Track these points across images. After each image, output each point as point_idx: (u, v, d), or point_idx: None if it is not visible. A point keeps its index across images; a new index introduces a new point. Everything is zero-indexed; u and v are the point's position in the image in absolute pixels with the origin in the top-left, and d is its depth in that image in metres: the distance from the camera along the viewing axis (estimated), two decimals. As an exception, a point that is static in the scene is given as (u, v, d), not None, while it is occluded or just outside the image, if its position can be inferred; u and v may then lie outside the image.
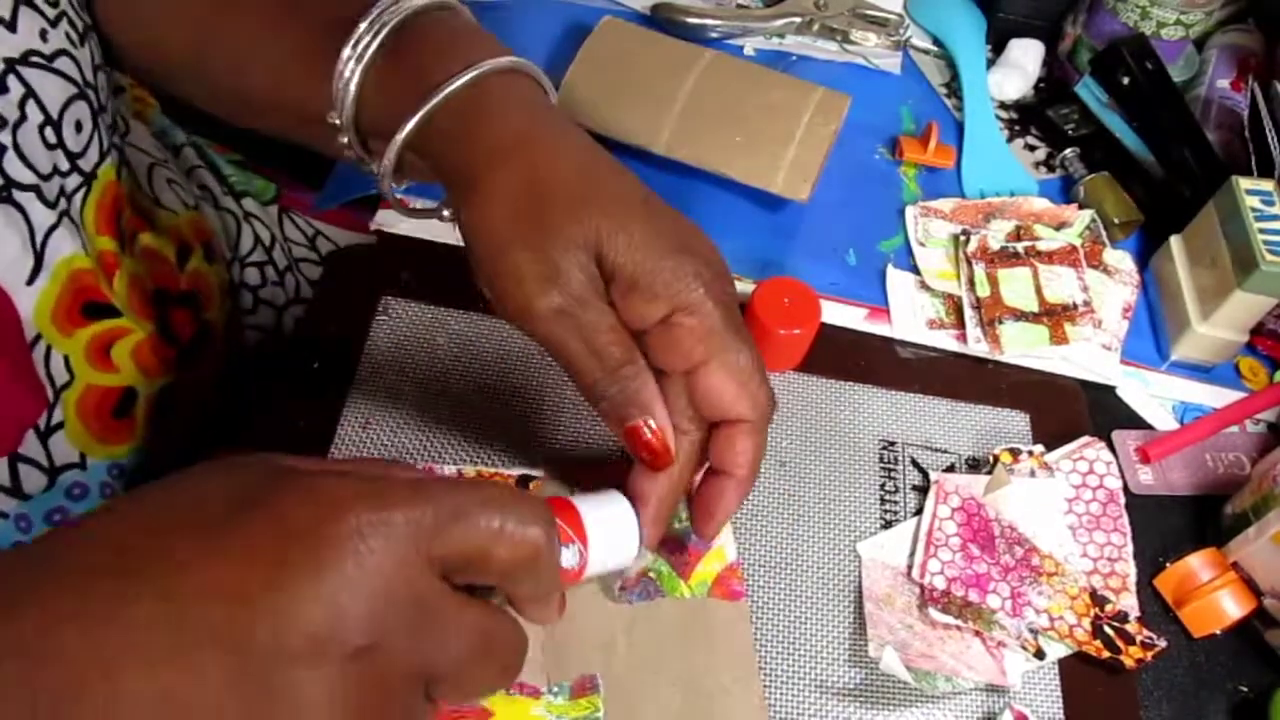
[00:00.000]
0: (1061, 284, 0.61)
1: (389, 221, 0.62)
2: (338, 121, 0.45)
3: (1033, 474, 0.54)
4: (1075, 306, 0.60)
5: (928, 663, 0.48)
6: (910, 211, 0.66)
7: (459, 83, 0.42)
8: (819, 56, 0.74)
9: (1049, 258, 0.62)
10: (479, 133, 0.42)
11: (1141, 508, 0.55)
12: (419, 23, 0.45)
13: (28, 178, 0.46)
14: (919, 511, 0.53)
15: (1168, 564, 0.53)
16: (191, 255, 0.61)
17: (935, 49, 0.77)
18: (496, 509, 0.32)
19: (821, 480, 0.54)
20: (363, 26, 0.44)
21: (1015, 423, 0.58)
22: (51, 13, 0.47)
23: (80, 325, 0.49)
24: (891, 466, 0.55)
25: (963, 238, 0.63)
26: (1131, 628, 0.49)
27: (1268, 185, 0.58)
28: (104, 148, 0.51)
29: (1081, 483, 0.54)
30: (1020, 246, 0.63)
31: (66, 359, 0.49)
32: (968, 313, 0.60)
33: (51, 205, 0.47)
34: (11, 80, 0.44)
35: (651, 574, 0.49)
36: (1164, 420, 0.60)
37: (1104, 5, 0.70)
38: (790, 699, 0.47)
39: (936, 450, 0.56)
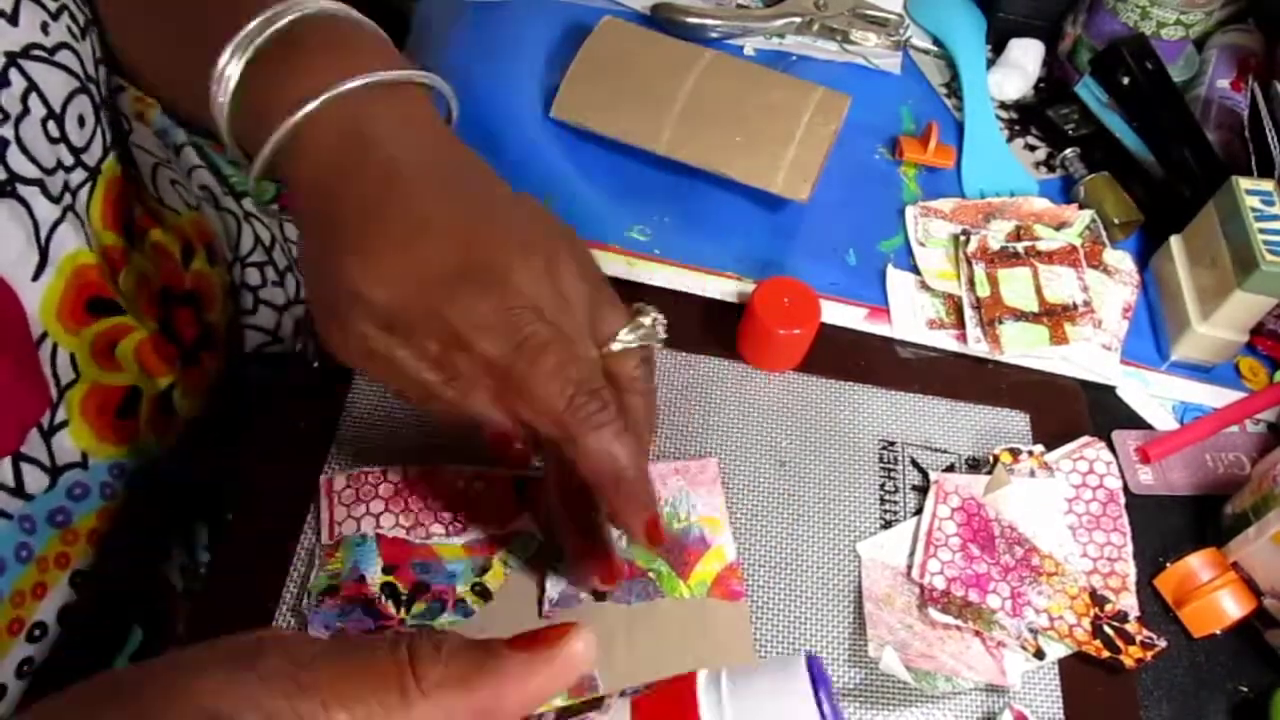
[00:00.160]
0: (1061, 284, 0.61)
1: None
2: (220, 128, 0.44)
3: (1033, 474, 0.54)
4: (1075, 306, 0.60)
5: (927, 663, 0.48)
6: (910, 211, 0.66)
7: (328, 95, 0.41)
8: (819, 56, 0.74)
9: (1049, 258, 0.62)
10: (298, 168, 0.42)
11: (1141, 508, 0.55)
12: (298, 31, 0.43)
13: (31, 172, 0.46)
14: (919, 511, 0.53)
15: (1168, 564, 0.53)
16: (195, 256, 0.61)
17: (935, 49, 0.77)
18: None
19: (821, 480, 0.54)
20: (250, 27, 0.42)
21: (1015, 423, 0.58)
22: (53, 6, 0.47)
23: (86, 323, 0.49)
24: (891, 466, 0.55)
25: (963, 238, 0.63)
26: (1131, 627, 0.49)
27: (1268, 185, 0.58)
28: (107, 142, 0.51)
29: (1081, 483, 0.54)
30: (1020, 246, 0.63)
31: (73, 356, 0.49)
32: (968, 313, 0.61)
33: (56, 200, 0.47)
34: (13, 74, 0.44)
35: (651, 574, 0.49)
36: (1164, 420, 0.60)
37: (1104, 5, 0.70)
38: (790, 699, 0.47)
39: (936, 450, 0.56)
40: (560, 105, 0.65)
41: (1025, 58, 0.75)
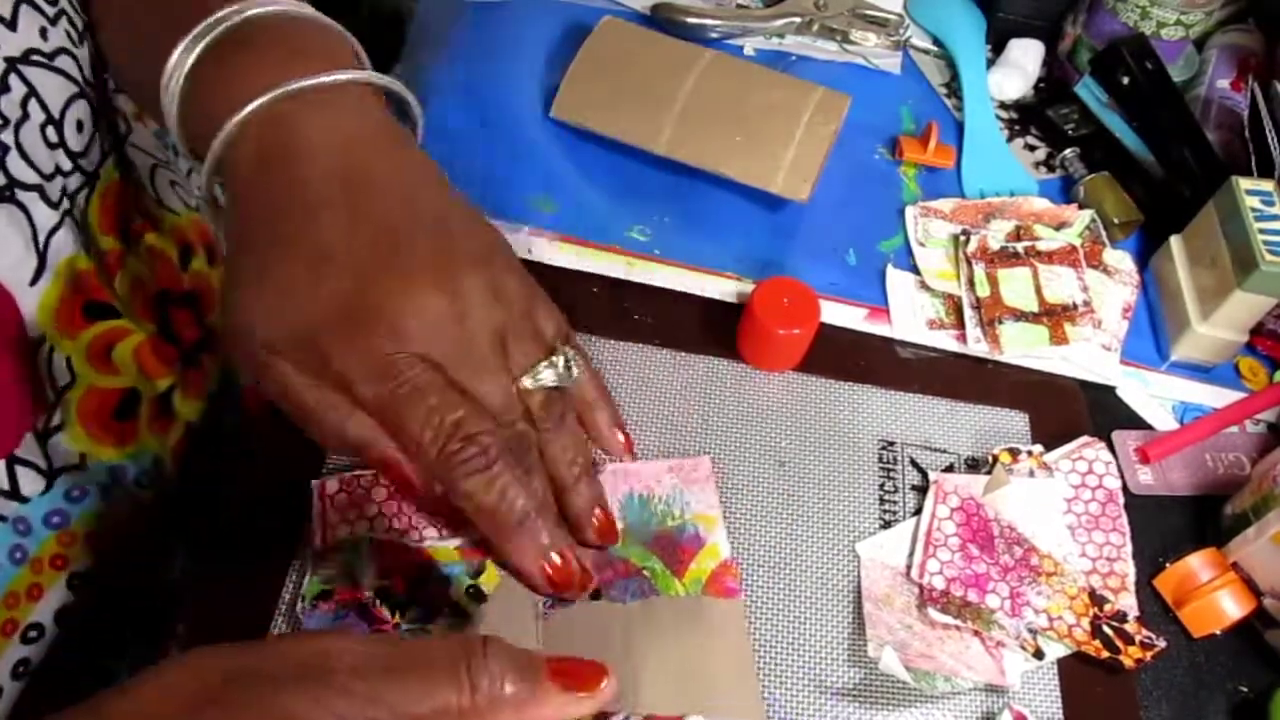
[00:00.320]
0: (1061, 284, 0.61)
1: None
2: (170, 128, 0.44)
3: (1032, 474, 0.54)
4: (1075, 306, 0.60)
5: (927, 663, 0.48)
6: (910, 211, 0.66)
7: (250, 108, 0.40)
8: (819, 56, 0.74)
9: (1049, 258, 0.62)
10: (228, 180, 0.41)
11: (1141, 508, 0.55)
12: (253, 33, 0.43)
13: (30, 177, 0.46)
14: (918, 511, 0.53)
15: (1167, 564, 0.53)
16: (194, 256, 0.61)
17: (935, 49, 0.77)
18: None
19: (820, 480, 0.54)
20: (203, 24, 0.42)
21: (1014, 423, 0.58)
22: (51, 10, 0.47)
23: (82, 326, 0.49)
24: (891, 466, 0.55)
25: (963, 238, 0.63)
26: (1130, 627, 0.49)
27: (1268, 185, 0.58)
28: (105, 147, 0.51)
29: (1081, 482, 0.54)
30: (1020, 246, 0.63)
31: (69, 360, 0.49)
32: (967, 313, 0.61)
33: (54, 205, 0.47)
34: (13, 79, 0.44)
35: (645, 572, 0.49)
36: (1164, 420, 0.60)
37: (1104, 5, 0.70)
38: (789, 699, 0.47)
39: (936, 450, 0.56)
40: (560, 105, 0.65)
41: (1025, 58, 0.75)
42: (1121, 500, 0.53)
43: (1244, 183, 0.58)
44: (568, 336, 0.46)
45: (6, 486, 0.47)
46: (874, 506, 0.53)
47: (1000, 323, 0.60)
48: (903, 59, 0.75)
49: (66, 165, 0.48)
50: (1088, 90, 0.70)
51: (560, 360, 0.43)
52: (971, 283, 0.61)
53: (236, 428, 0.61)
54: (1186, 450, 0.58)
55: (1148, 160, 0.67)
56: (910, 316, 0.61)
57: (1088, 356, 0.60)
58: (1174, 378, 0.62)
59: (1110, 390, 0.61)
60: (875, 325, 0.61)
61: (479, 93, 0.66)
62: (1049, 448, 0.55)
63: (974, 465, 0.55)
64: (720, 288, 0.61)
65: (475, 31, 0.70)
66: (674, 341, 0.58)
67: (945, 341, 0.60)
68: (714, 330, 0.59)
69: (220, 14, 0.43)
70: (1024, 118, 0.74)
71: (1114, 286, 0.63)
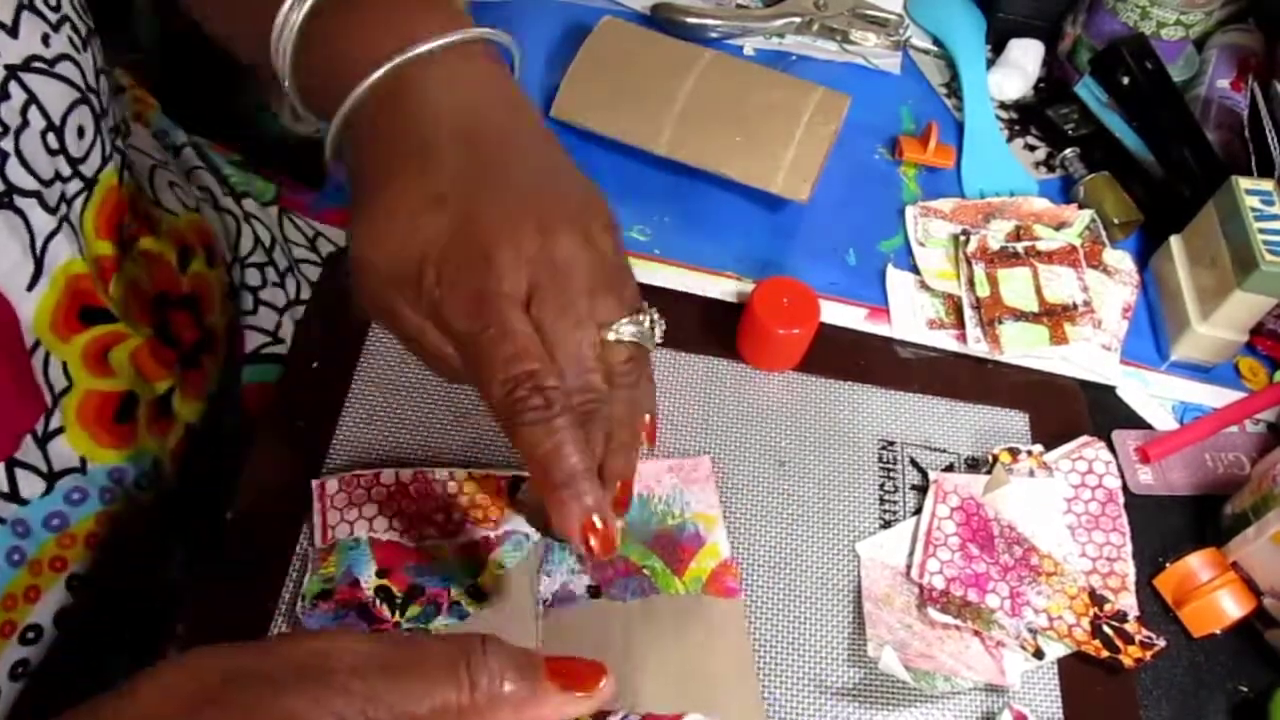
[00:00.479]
0: (1061, 284, 0.61)
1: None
2: (283, 83, 0.44)
3: (1032, 474, 0.54)
4: (1075, 306, 0.60)
5: (927, 662, 0.48)
6: (910, 211, 0.66)
7: (377, 74, 0.41)
8: (819, 56, 0.74)
9: (1049, 258, 0.62)
10: (382, 136, 0.42)
11: (1141, 508, 0.55)
12: None
13: (29, 184, 0.46)
14: (918, 511, 0.53)
15: (1167, 564, 0.53)
16: (193, 258, 0.61)
17: (935, 49, 0.77)
18: None
19: (821, 480, 0.54)
20: None
21: (1014, 422, 0.58)
22: (54, 17, 0.47)
23: (77, 331, 0.49)
24: (891, 466, 0.55)
25: (962, 238, 0.63)
26: (1130, 627, 0.49)
27: (1268, 185, 0.58)
28: (106, 152, 0.51)
29: (1080, 482, 0.54)
30: (1020, 246, 0.63)
31: (65, 365, 0.49)
32: (967, 313, 0.60)
33: (52, 211, 0.47)
34: (13, 87, 0.44)
35: (646, 571, 0.49)
36: (1164, 420, 0.60)
37: (1104, 5, 0.70)
38: (789, 698, 0.47)
39: (936, 450, 0.56)
40: (560, 105, 0.65)
41: (1025, 58, 0.75)
42: (1121, 500, 0.53)
43: (1244, 183, 0.58)
44: (640, 301, 0.45)
45: (6, 489, 0.47)
46: (874, 506, 0.53)
47: (1000, 323, 0.60)
48: (903, 59, 0.75)
49: (66, 171, 0.48)
50: (1088, 90, 0.70)
51: (645, 319, 0.43)
52: (971, 283, 0.61)
53: (236, 428, 0.61)
54: (1186, 450, 0.58)
55: (1148, 160, 0.67)
56: (910, 316, 0.61)
57: (1088, 356, 0.60)
58: (1174, 378, 0.62)
59: (1110, 390, 0.61)
60: (875, 325, 0.61)
61: (479, 93, 0.66)
62: (1049, 447, 0.55)
63: (974, 465, 0.55)
64: (720, 288, 0.61)
65: (475, 31, 0.70)
66: (674, 341, 0.58)
67: (945, 341, 0.60)
68: (714, 330, 0.59)
69: None
70: (1024, 118, 0.74)
71: (1114, 286, 0.63)
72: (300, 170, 0.75)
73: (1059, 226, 0.65)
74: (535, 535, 0.49)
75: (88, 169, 0.50)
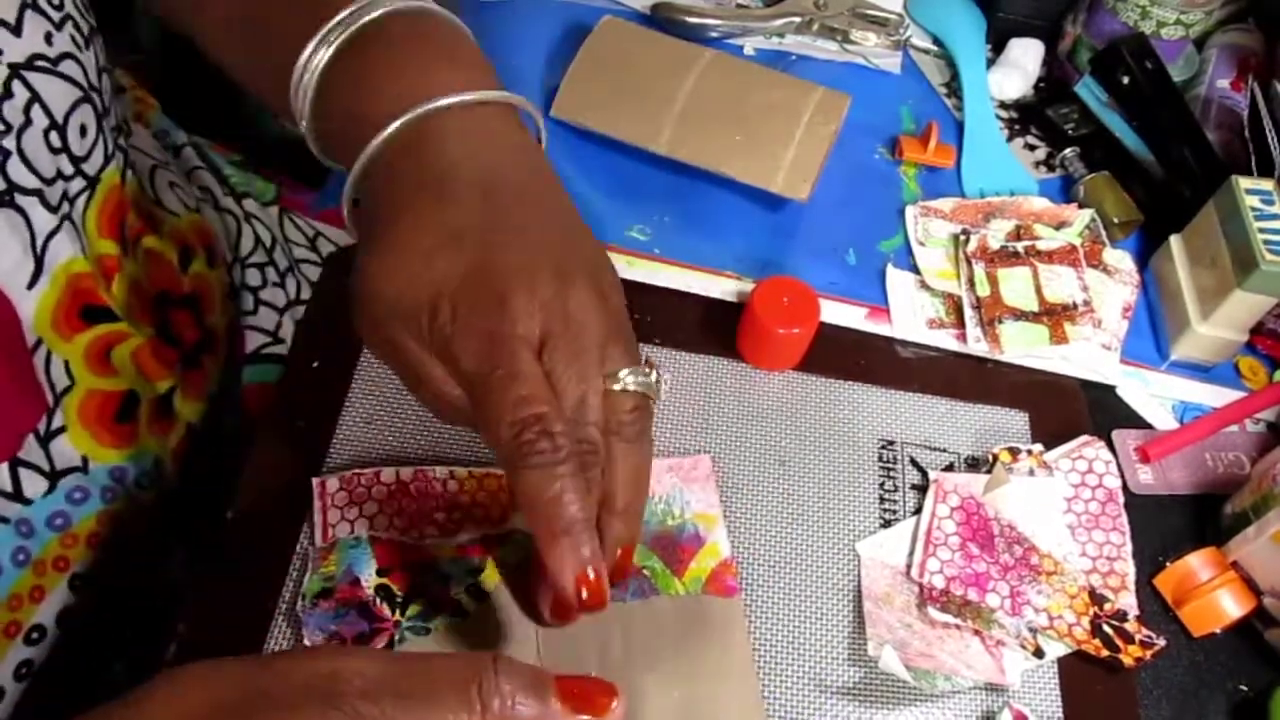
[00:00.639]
0: (1061, 284, 0.61)
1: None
2: (301, 126, 0.44)
3: (1032, 473, 0.54)
4: (1075, 306, 0.60)
5: (927, 661, 0.48)
6: (910, 211, 0.66)
7: (395, 125, 0.41)
8: (819, 56, 0.74)
9: (1049, 257, 0.62)
10: (400, 180, 0.42)
11: (1141, 507, 0.55)
12: (388, 30, 0.44)
13: (31, 182, 0.46)
14: (918, 510, 0.53)
15: (1167, 563, 0.53)
16: (194, 258, 0.61)
17: (935, 49, 0.77)
18: None
19: (821, 479, 0.54)
20: (330, 25, 0.43)
21: (1015, 422, 0.58)
22: (56, 15, 0.47)
23: (79, 330, 0.49)
24: (891, 466, 0.55)
25: (963, 237, 0.63)
26: (1130, 626, 0.49)
27: (1268, 185, 0.58)
28: (108, 151, 0.51)
29: (1081, 482, 0.54)
30: (1020, 246, 0.63)
31: (67, 364, 0.49)
32: (968, 312, 0.61)
33: (54, 209, 0.47)
34: (16, 85, 0.44)
35: (646, 571, 0.49)
36: (1164, 420, 0.60)
37: (1104, 5, 0.70)
38: (789, 698, 0.47)
39: (936, 449, 0.56)
40: (560, 105, 0.65)
41: (1025, 57, 0.75)
42: (1121, 499, 0.54)
43: (1244, 182, 0.58)
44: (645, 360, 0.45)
45: (9, 489, 0.47)
46: (874, 506, 0.53)
47: (1000, 322, 0.60)
48: (903, 59, 0.75)
49: (68, 170, 0.48)
50: (1088, 90, 0.70)
51: (652, 373, 0.42)
52: (971, 282, 0.61)
53: (236, 428, 0.61)
54: (1186, 450, 0.58)
55: (1148, 160, 0.67)
56: (910, 316, 0.61)
57: (1088, 356, 0.60)
58: (1174, 377, 0.62)
59: (1110, 390, 0.61)
60: (875, 325, 0.61)
61: (479, 93, 0.66)
62: (1049, 447, 0.55)
63: (974, 464, 0.55)
64: (720, 287, 0.61)
65: (475, 31, 0.70)
66: (674, 341, 0.58)
67: (945, 341, 0.60)
68: (714, 330, 0.59)
69: (353, 8, 0.43)
70: (1024, 117, 0.74)
71: (1114, 286, 0.63)
72: (300, 170, 0.75)
73: (1059, 226, 0.65)
74: None
75: (90, 168, 0.50)
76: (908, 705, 0.48)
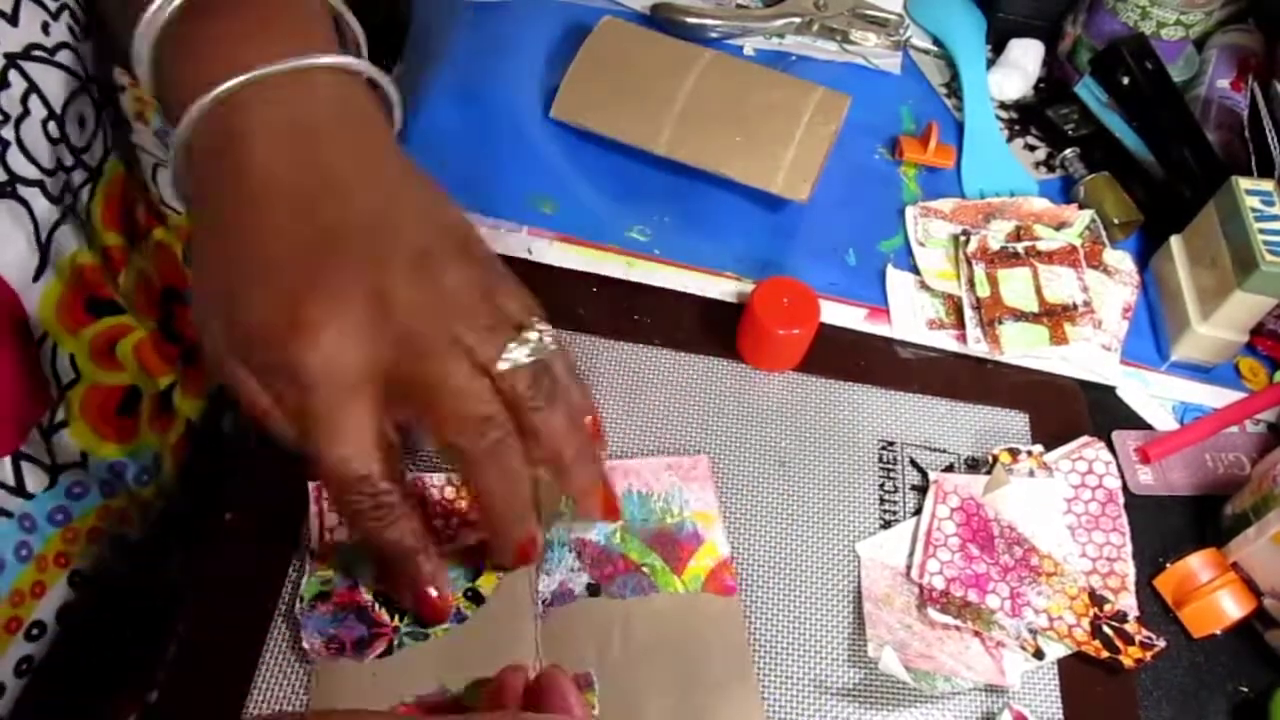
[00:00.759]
0: (1061, 284, 0.61)
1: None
2: (147, 92, 0.42)
3: (1032, 474, 0.54)
4: (1075, 306, 0.60)
5: (926, 663, 0.48)
6: (910, 211, 0.66)
7: (203, 100, 0.38)
8: (819, 56, 0.74)
9: (1049, 258, 0.62)
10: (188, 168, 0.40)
11: (1141, 508, 0.55)
12: None
13: (31, 173, 0.46)
14: (918, 511, 0.53)
15: (1167, 564, 0.53)
16: None
17: (935, 49, 0.77)
18: None
19: (821, 480, 0.54)
20: None
21: (1015, 423, 0.58)
22: (53, 5, 0.47)
23: (85, 323, 0.49)
24: (891, 466, 0.55)
25: (963, 238, 0.63)
26: (1130, 627, 0.49)
27: (1268, 185, 0.58)
28: (109, 142, 0.51)
29: (1081, 482, 0.54)
30: (1020, 246, 0.63)
31: (72, 357, 0.49)
32: (968, 313, 0.60)
33: (57, 200, 0.47)
34: (13, 75, 0.44)
35: (645, 569, 0.49)
36: (1164, 420, 0.60)
37: (1104, 5, 0.70)
38: (789, 698, 0.47)
39: (936, 450, 0.56)
40: (560, 105, 0.65)
41: (1025, 58, 0.75)
42: (1121, 500, 0.53)
43: (1244, 183, 0.58)
44: (530, 309, 0.43)
45: (12, 483, 0.47)
46: (874, 506, 0.53)
47: (1000, 323, 0.60)
48: (903, 59, 0.75)
49: (69, 160, 0.48)
50: (1088, 90, 0.70)
51: (532, 335, 0.41)
52: (971, 283, 0.61)
53: (236, 427, 0.61)
54: (1186, 450, 0.58)
55: (1148, 160, 0.67)
56: (910, 316, 0.61)
57: (1088, 356, 0.60)
58: (1174, 378, 0.62)
59: (1110, 390, 0.61)
60: (875, 325, 0.61)
61: (479, 93, 0.66)
62: (1049, 448, 0.55)
63: (974, 465, 0.55)
64: (720, 288, 0.61)
65: (475, 32, 0.70)
66: (674, 341, 0.58)
67: (945, 341, 0.60)
68: (714, 330, 0.59)
69: None
70: (1024, 118, 0.74)
71: (1114, 286, 0.63)
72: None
73: (1059, 226, 0.65)
74: None
75: (90, 158, 0.50)
76: (907, 706, 0.47)
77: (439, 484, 0.50)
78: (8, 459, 0.46)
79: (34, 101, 0.45)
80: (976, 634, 0.49)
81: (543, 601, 0.48)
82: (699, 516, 0.51)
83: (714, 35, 0.73)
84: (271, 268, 0.38)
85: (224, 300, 0.38)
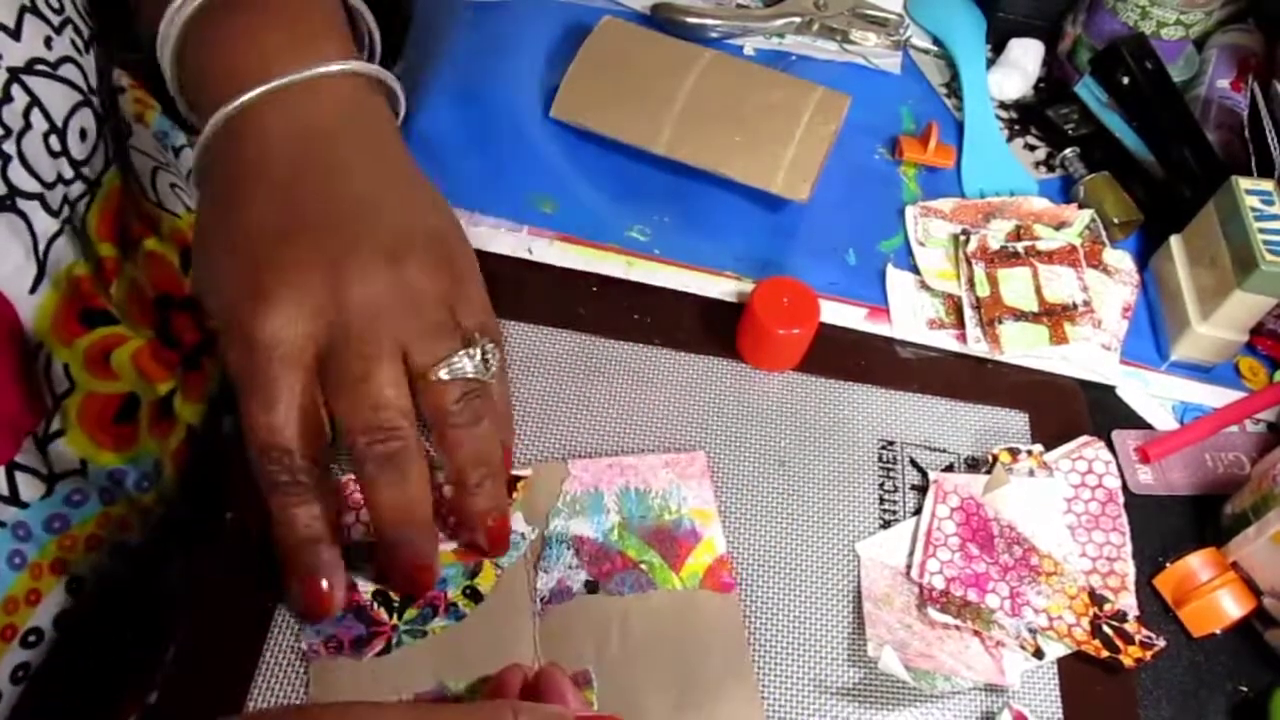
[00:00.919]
0: (1061, 284, 0.61)
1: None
2: (171, 88, 0.45)
3: (1032, 473, 0.54)
4: (1075, 306, 0.60)
5: (926, 662, 0.48)
6: (910, 211, 0.66)
7: (235, 104, 0.41)
8: (819, 56, 0.74)
9: (1049, 257, 0.62)
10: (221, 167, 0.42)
11: (1141, 507, 0.55)
12: None
13: (32, 186, 0.45)
14: (918, 511, 0.53)
15: (1167, 564, 0.53)
16: None
17: (935, 49, 0.77)
18: None
19: (820, 480, 0.54)
20: None
21: (1014, 422, 0.58)
22: (56, 19, 0.46)
23: (78, 333, 0.49)
24: (890, 466, 0.55)
25: (962, 238, 0.63)
26: (1130, 627, 0.49)
27: (1268, 185, 0.58)
28: (109, 155, 0.51)
29: (1080, 482, 0.54)
30: (1020, 246, 0.63)
31: (66, 367, 0.49)
32: (967, 313, 0.60)
33: (55, 214, 0.47)
34: (15, 89, 0.44)
35: (643, 566, 0.49)
36: (1164, 420, 0.60)
37: (1104, 5, 0.70)
38: (789, 698, 0.47)
39: (935, 450, 0.56)
40: (560, 105, 0.65)
41: (1025, 57, 0.75)
42: (1121, 500, 0.53)
43: (1244, 183, 0.58)
44: (488, 330, 0.44)
45: (6, 492, 0.47)
46: (874, 506, 0.53)
47: (1000, 322, 0.60)
48: (903, 59, 0.75)
49: (69, 174, 0.48)
50: (1088, 90, 0.70)
51: (475, 353, 0.41)
52: (971, 282, 0.61)
53: (236, 430, 0.61)
54: (1186, 450, 0.58)
55: (1148, 160, 0.67)
56: (910, 316, 0.61)
57: (1088, 356, 0.60)
58: (1174, 377, 0.62)
59: (1110, 390, 0.60)
60: (875, 325, 0.61)
61: (479, 93, 0.66)
62: (1049, 447, 0.55)
63: (974, 465, 0.55)
64: (720, 288, 0.61)
65: (475, 31, 0.70)
66: (674, 341, 0.58)
67: (945, 341, 0.60)
68: (714, 330, 0.59)
69: None
70: (1024, 118, 0.74)
71: (1114, 286, 0.63)
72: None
73: (1059, 226, 0.65)
74: (531, 534, 0.49)
75: (90, 171, 0.50)
76: (907, 706, 0.47)
77: (437, 481, 0.50)
78: (1, 469, 0.46)
79: (35, 115, 0.45)
80: (976, 633, 0.49)
81: (541, 599, 0.48)
82: (696, 513, 0.51)
83: (714, 35, 0.73)
84: (247, 239, 0.40)
85: (207, 268, 0.41)
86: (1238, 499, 0.54)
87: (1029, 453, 0.54)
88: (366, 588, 0.47)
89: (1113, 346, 0.61)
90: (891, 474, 0.55)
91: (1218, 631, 0.52)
